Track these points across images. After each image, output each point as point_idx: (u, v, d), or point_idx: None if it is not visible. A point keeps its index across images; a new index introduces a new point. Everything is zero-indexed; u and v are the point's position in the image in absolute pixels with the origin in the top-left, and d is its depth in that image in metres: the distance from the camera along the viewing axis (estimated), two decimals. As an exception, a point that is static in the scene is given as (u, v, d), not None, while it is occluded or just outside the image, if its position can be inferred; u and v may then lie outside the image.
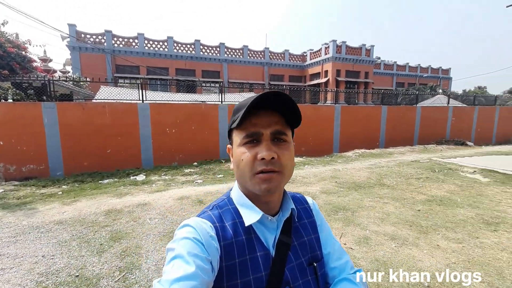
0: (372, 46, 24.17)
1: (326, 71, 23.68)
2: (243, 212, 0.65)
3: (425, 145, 11.56)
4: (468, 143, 12.33)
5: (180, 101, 8.82)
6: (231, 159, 0.68)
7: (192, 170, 7.11)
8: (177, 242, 0.57)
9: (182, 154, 8.03)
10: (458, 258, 2.57)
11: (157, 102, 8.06)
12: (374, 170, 6.55)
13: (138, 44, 20.39)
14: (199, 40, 22.15)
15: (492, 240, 2.93)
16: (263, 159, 0.59)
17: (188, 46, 22.04)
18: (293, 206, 0.70)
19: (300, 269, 0.65)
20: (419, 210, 3.88)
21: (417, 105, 12.80)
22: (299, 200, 0.77)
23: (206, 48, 22.78)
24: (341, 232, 3.18)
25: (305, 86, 25.15)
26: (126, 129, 7.34)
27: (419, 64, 31.86)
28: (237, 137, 0.64)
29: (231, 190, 0.72)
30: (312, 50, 25.42)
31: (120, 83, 17.19)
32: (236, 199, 0.68)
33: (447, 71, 33.87)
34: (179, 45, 21.78)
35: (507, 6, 5.90)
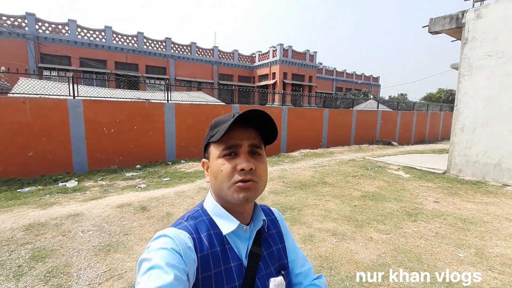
0: (315, 52, 25.91)
1: (274, 73, 24.53)
2: (219, 222, 0.66)
3: (360, 145, 12.88)
4: (393, 143, 14.17)
5: (121, 98, 8.07)
6: (206, 173, 0.70)
7: (134, 173, 6.58)
8: (154, 252, 0.55)
9: (122, 156, 7.37)
10: (387, 248, 2.92)
11: (92, 98, 7.22)
12: (317, 169, 7.00)
13: (69, 31, 18.01)
14: (142, 33, 20.66)
15: (412, 229, 3.40)
16: (242, 170, 0.62)
17: (130, 38, 20.36)
18: (264, 217, 0.73)
19: (270, 277, 0.69)
20: (355, 206, 4.28)
21: (353, 108, 14.16)
22: (267, 212, 0.81)
23: (150, 42, 21.36)
24: (288, 231, 3.31)
25: (254, 87, 25.63)
26: (53, 128, 6.40)
27: (354, 71, 35.35)
28: (215, 149, 0.66)
29: (203, 201, 0.73)
30: (261, 52, 26.03)
31: (46, 75, 14.90)
32: (211, 209, 0.68)
33: (377, 79, 38.33)
34: (119, 36, 19.96)
35: (423, 27, 6.94)
